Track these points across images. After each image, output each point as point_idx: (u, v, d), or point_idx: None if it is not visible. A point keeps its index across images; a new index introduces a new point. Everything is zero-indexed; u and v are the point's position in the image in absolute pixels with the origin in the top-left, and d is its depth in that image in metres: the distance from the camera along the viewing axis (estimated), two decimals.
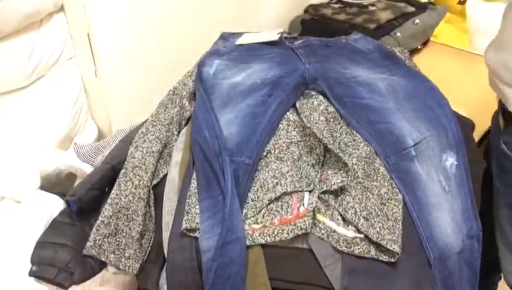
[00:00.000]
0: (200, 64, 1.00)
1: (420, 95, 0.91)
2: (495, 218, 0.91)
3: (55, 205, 0.90)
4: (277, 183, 0.77)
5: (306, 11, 1.60)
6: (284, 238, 0.72)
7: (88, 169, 1.00)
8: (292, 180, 0.78)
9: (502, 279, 1.06)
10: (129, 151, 0.84)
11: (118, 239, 0.78)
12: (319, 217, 0.75)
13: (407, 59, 1.09)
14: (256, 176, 0.80)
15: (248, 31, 1.05)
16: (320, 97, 0.92)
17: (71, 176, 1.04)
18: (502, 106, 0.83)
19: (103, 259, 0.77)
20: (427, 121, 0.87)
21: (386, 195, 0.78)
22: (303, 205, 0.75)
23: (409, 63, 1.06)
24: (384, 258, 0.71)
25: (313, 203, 0.74)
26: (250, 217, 0.75)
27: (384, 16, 1.44)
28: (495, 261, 0.92)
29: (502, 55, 0.78)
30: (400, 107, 0.90)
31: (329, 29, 1.11)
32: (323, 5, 1.60)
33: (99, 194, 0.82)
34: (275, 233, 0.72)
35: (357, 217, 0.73)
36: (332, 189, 0.76)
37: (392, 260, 0.71)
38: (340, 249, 0.71)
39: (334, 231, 0.72)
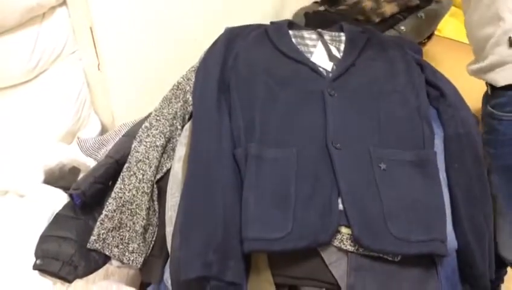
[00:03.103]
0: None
1: None
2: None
3: (58, 199, 0.90)
4: None
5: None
6: None
7: (91, 163, 1.00)
8: None
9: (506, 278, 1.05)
10: (133, 146, 0.84)
11: (121, 233, 0.78)
12: None
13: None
14: None
15: (253, 24, 1.04)
16: None
17: (74, 170, 1.04)
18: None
19: (107, 253, 0.77)
20: None
21: None
22: None
23: None
24: (389, 257, 0.71)
25: None
26: None
27: (389, 9, 1.43)
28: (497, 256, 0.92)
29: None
30: None
31: (332, 21, 1.11)
32: None
33: (102, 188, 0.82)
34: None
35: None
36: None
37: (396, 260, 0.71)
38: (345, 248, 0.71)
39: (338, 231, 0.71)
